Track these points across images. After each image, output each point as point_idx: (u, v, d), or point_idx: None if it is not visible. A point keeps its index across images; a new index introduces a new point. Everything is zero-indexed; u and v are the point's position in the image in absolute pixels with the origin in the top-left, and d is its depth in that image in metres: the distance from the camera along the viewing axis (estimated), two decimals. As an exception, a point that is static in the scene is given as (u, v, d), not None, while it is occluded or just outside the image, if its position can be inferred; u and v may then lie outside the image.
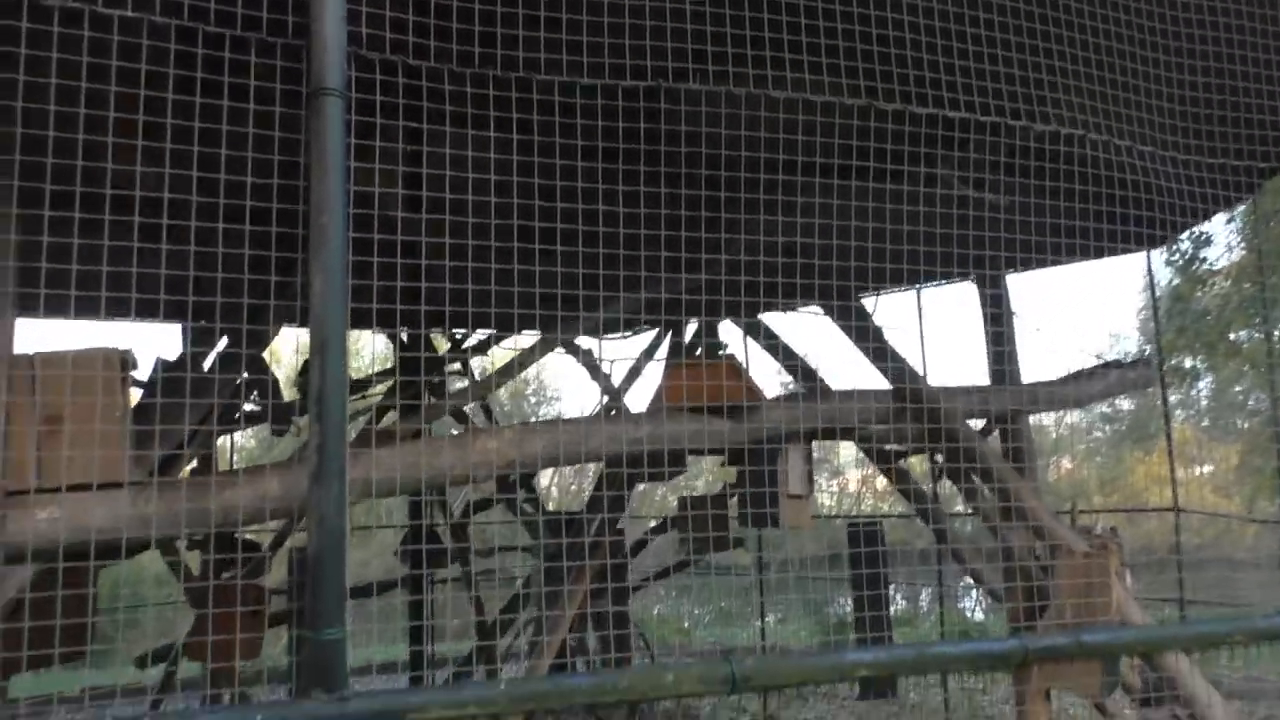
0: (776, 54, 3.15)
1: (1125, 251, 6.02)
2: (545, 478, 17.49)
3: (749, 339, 6.58)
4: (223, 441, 6.94)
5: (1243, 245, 12.43)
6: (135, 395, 3.82)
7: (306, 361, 5.06)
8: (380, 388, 6.92)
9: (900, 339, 5.38)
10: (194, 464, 4.74)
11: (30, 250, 2.88)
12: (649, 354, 7.83)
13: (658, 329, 8.08)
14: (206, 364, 4.55)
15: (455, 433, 6.13)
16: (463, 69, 2.64)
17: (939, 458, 5.77)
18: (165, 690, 7.86)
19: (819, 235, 3.77)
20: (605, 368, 7.89)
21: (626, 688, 1.99)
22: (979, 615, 14.34)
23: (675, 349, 6.42)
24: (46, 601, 3.05)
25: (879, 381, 5.11)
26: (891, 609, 12.16)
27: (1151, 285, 6.93)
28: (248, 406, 6.20)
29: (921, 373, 5.16)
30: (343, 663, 1.79)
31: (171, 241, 3.06)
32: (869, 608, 9.65)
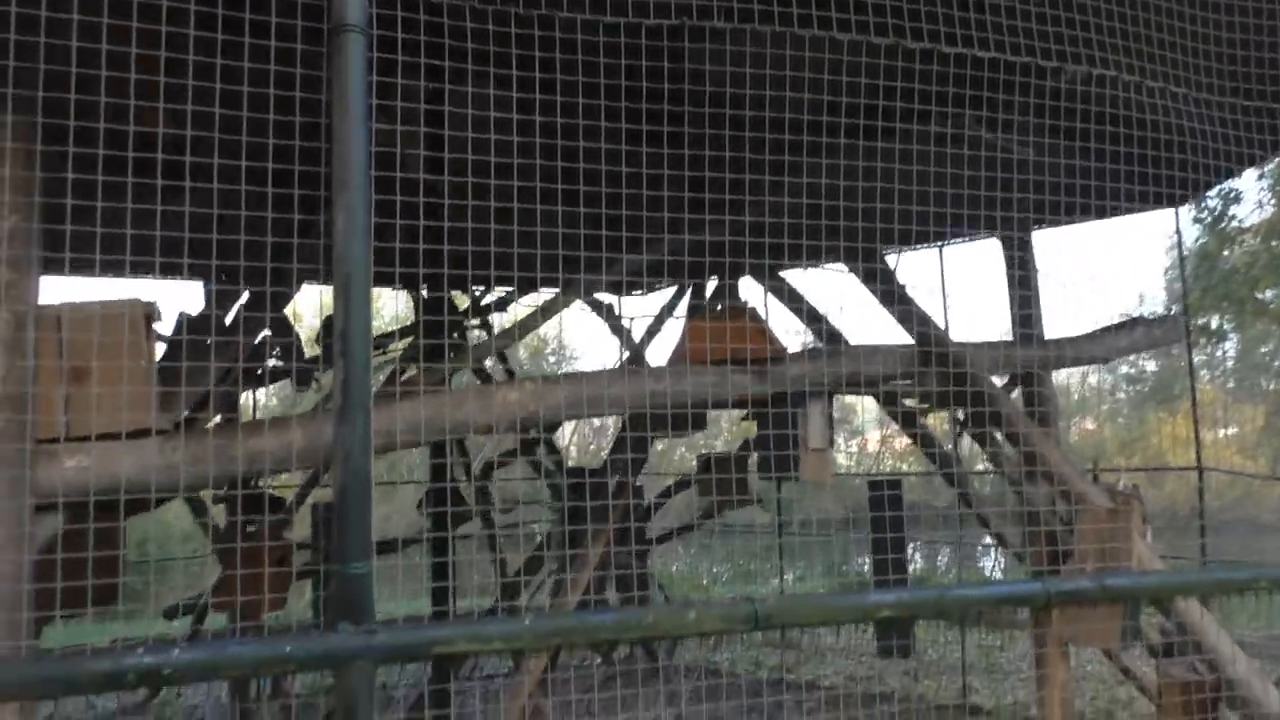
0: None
1: (1153, 208, 5.94)
2: (564, 437, 17.59)
3: (770, 296, 6.56)
4: (246, 398, 7.00)
5: (1273, 202, 12.24)
6: (159, 350, 3.86)
7: (329, 318, 5.09)
8: (401, 344, 6.94)
9: (924, 297, 5.33)
10: (219, 419, 4.79)
11: (52, 192, 2.90)
12: (669, 311, 7.82)
13: (677, 287, 8.07)
14: (229, 318, 4.59)
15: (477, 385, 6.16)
16: (484, 5, 2.61)
17: (960, 414, 5.75)
18: (191, 640, 7.98)
19: (843, 189, 3.73)
20: (625, 324, 7.89)
21: (650, 624, 2.00)
22: (998, 575, 14.37)
23: (696, 306, 6.40)
24: (77, 547, 3.10)
25: (902, 339, 5.09)
26: (910, 568, 12.21)
27: (1179, 242, 6.84)
28: (271, 362, 6.25)
29: (944, 329, 5.13)
30: (369, 597, 1.81)
31: (194, 187, 3.07)
32: (888, 566, 9.69)
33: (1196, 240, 12.39)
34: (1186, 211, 11.62)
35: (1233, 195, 12.21)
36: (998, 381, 5.11)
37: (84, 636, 10.90)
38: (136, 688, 1.77)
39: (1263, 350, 20.01)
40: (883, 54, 3.19)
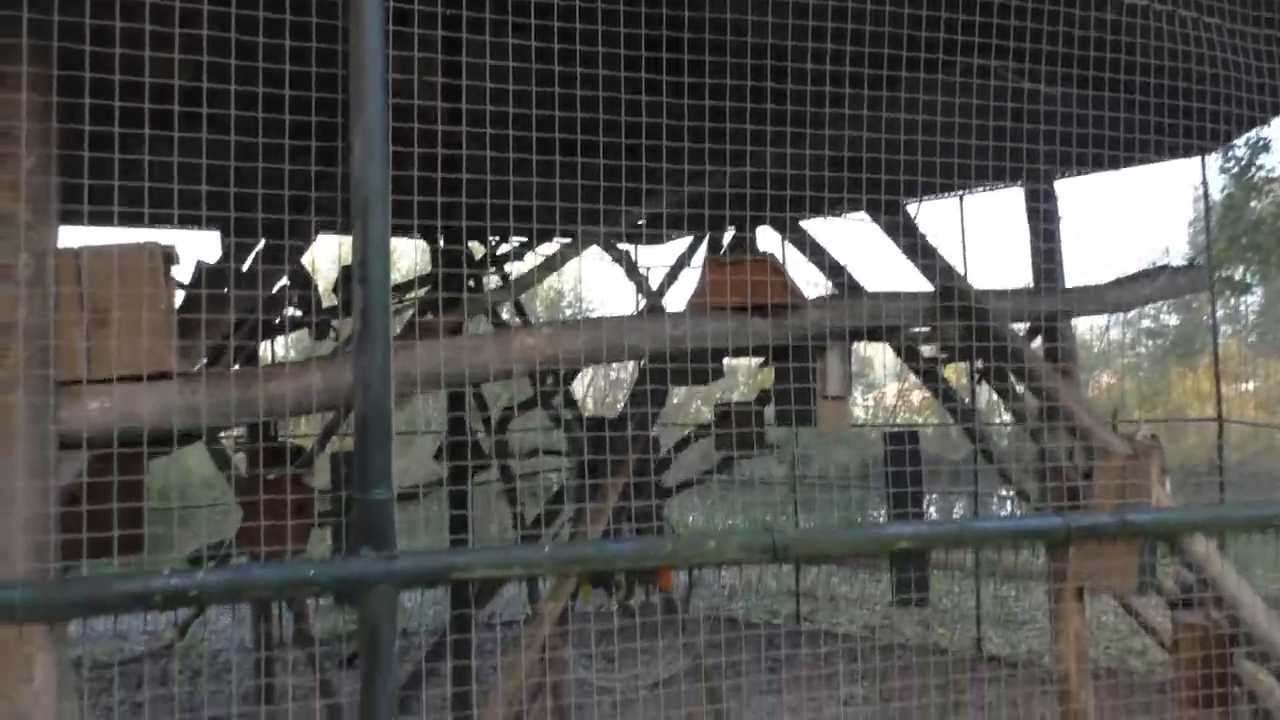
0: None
1: (1179, 155, 5.84)
2: (580, 389, 17.62)
3: (791, 248, 6.52)
4: (264, 349, 7.04)
5: (1304, 151, 12.00)
6: (178, 297, 3.88)
7: (346, 267, 5.08)
8: (420, 291, 6.95)
9: (944, 247, 5.28)
10: (237, 365, 4.83)
11: (69, 145, 2.90)
12: (685, 260, 7.79)
13: (694, 237, 8.03)
14: (246, 267, 4.59)
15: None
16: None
17: (979, 363, 5.72)
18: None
19: (865, 138, 3.69)
20: (643, 271, 7.87)
21: (669, 553, 2.02)
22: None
23: (715, 251, 6.36)
24: (101, 493, 3.14)
25: (922, 288, 5.05)
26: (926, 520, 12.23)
27: (1205, 191, 6.73)
28: (289, 311, 6.27)
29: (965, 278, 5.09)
30: (390, 523, 1.83)
31: (211, 133, 3.06)
32: (905, 519, 9.71)
33: (1223, 190, 12.20)
34: (1213, 160, 11.42)
35: (1261, 144, 11.99)
36: (1018, 330, 5.07)
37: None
38: (164, 609, 1.80)
39: (1286, 304, 19.79)
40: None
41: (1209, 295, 6.98)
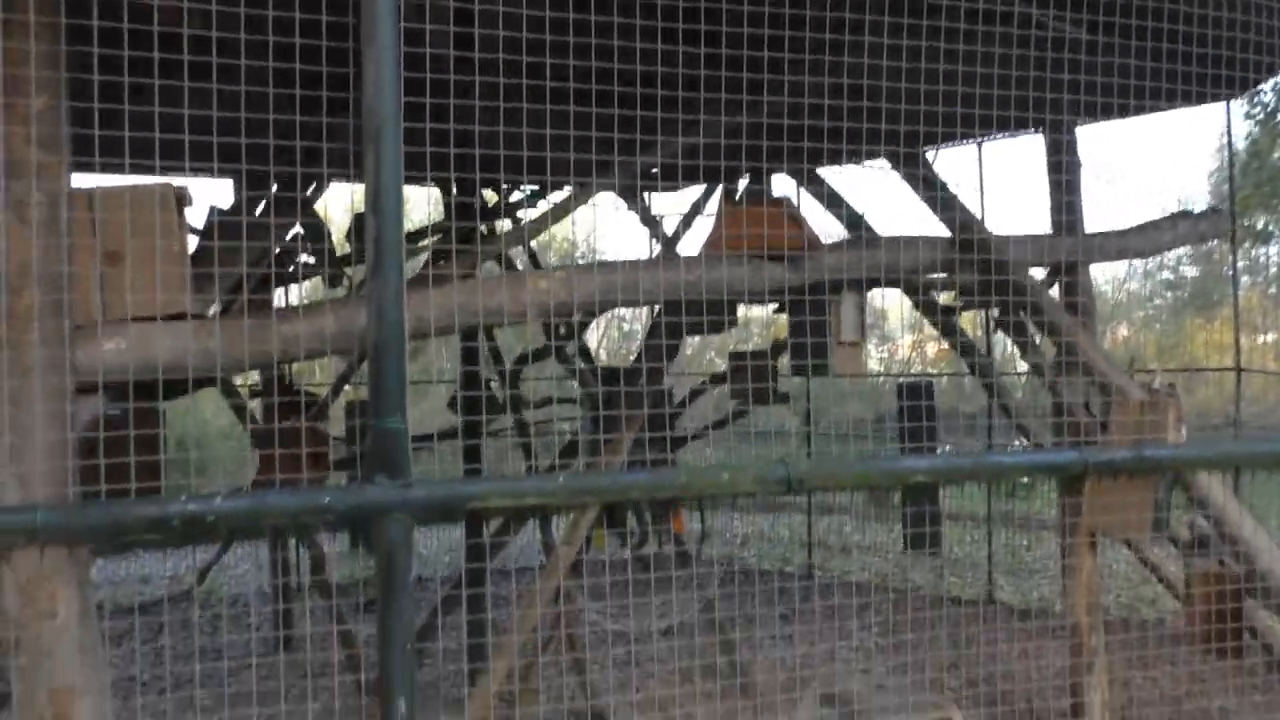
0: None
1: (1203, 100, 5.73)
2: (593, 341, 17.62)
3: (808, 196, 6.45)
4: (279, 297, 7.05)
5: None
6: (192, 242, 3.87)
7: (359, 215, 5.05)
8: (434, 238, 6.93)
9: (964, 194, 5.22)
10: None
11: (79, 93, 2.88)
12: (700, 207, 7.73)
13: (707, 185, 7.95)
14: (259, 212, 4.58)
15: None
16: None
17: (994, 311, 5.68)
18: (232, 537, 8.21)
19: (884, 80, 3.62)
20: (657, 216, 7.82)
21: (684, 484, 2.02)
22: (1024, 479, 14.39)
23: (730, 195, 6.30)
24: (120, 438, 3.16)
25: (939, 232, 5.00)
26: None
27: (1229, 136, 6.62)
28: (302, 258, 6.27)
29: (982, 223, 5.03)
30: (405, 452, 1.84)
31: (221, 83, 3.03)
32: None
33: (1247, 137, 11.98)
34: (1238, 106, 11.21)
35: (1289, 90, 11.76)
36: (1035, 276, 5.02)
37: (130, 528, 11.22)
38: (182, 534, 1.81)
39: (1309, 255, 19.49)
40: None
41: (1230, 245, 6.89)
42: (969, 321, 8.50)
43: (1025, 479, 14.13)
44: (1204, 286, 19.31)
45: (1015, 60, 3.74)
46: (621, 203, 7.81)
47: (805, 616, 6.96)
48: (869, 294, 5.18)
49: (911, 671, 4.37)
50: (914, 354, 19.30)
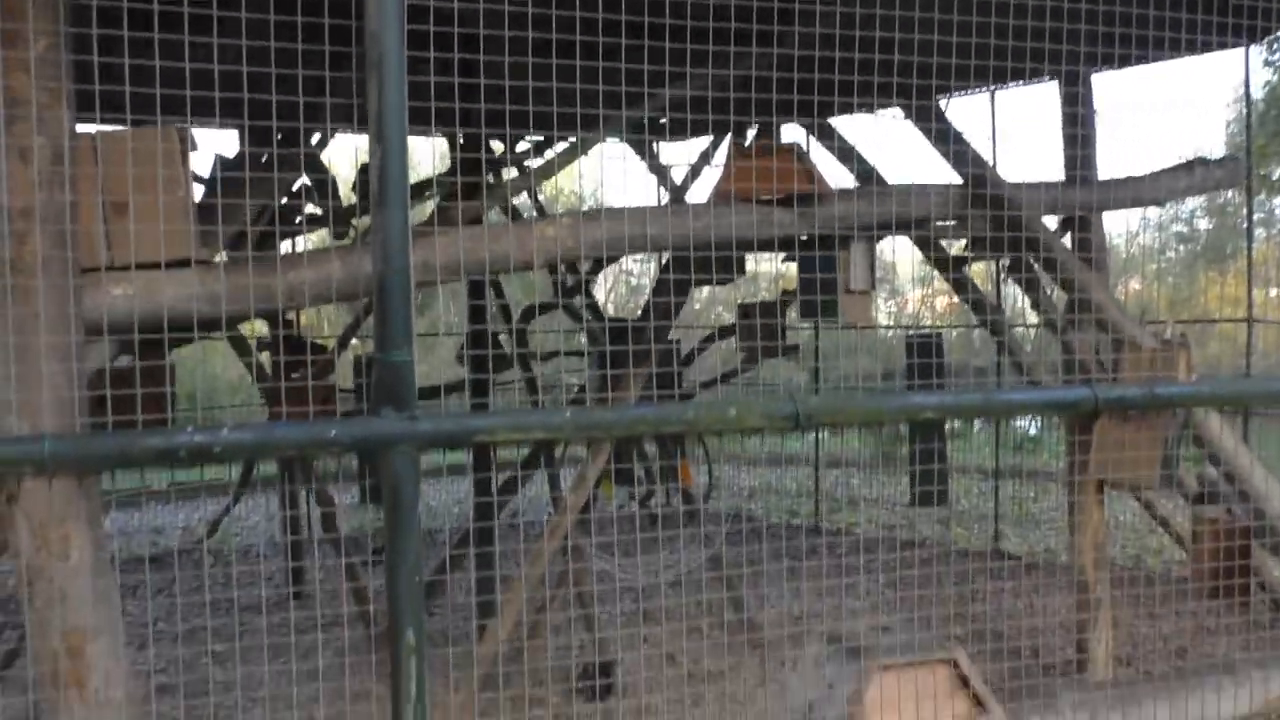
0: None
1: (1221, 47, 5.62)
2: (601, 295, 17.58)
3: (815, 143, 6.37)
4: (284, 248, 7.03)
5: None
6: (198, 191, 3.84)
7: (364, 165, 5.01)
8: (439, 189, 6.88)
9: (977, 143, 5.13)
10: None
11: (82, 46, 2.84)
12: (708, 155, 7.66)
13: (714, 135, 7.87)
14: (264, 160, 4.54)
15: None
16: None
17: (1005, 261, 5.63)
18: (244, 485, 8.27)
19: (897, 28, 3.55)
20: (665, 163, 7.76)
21: (692, 419, 2.01)
22: (1033, 431, 14.41)
23: (740, 142, 6.23)
24: (128, 381, 3.17)
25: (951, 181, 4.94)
26: (946, 425, 12.27)
27: (1247, 84, 6.49)
28: (308, 208, 6.24)
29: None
30: (411, 385, 1.83)
31: (222, 34, 2.99)
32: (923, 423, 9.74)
33: (1265, 85, 11.77)
34: (1257, 53, 11.01)
35: (1310, 36, 11.51)
36: (1048, 225, 4.97)
37: (142, 482, 11.36)
38: (189, 464, 1.81)
39: (1325, 207, 19.21)
40: None
41: (1245, 196, 6.81)
42: (979, 274, 8.45)
43: (1034, 432, 14.14)
44: (1218, 239, 19.13)
45: (1030, 8, 3.67)
46: (629, 151, 7.75)
47: (812, 568, 7.00)
48: (879, 245, 5.14)
49: (918, 619, 4.40)
50: (923, 308, 19.22)
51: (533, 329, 8.53)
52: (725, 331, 6.74)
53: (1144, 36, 4.14)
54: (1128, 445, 3.78)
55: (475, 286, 6.65)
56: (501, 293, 8.30)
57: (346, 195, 6.94)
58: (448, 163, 7.03)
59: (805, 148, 6.16)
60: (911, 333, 9.51)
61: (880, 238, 4.93)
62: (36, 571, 2.70)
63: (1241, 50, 6.28)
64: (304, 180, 6.14)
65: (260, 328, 7.98)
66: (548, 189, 12.51)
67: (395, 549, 1.81)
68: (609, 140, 6.96)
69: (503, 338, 8.12)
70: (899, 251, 14.86)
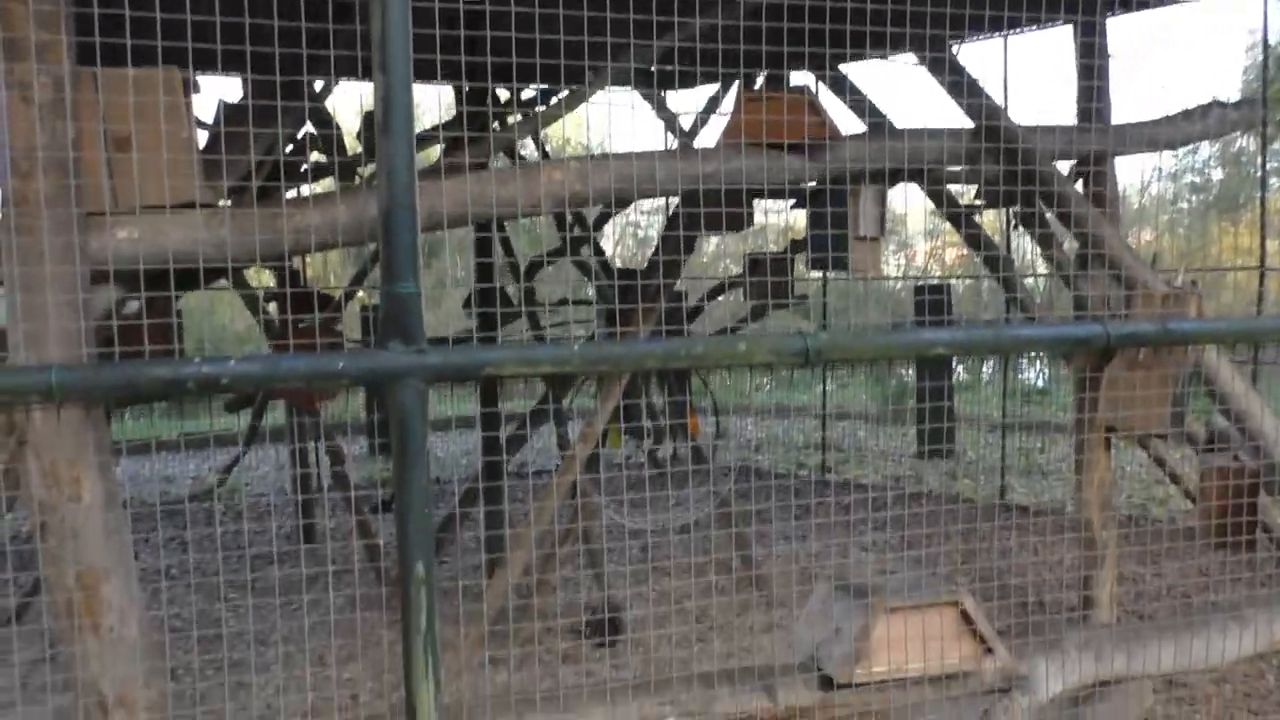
0: None
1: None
2: (608, 247, 17.48)
3: (826, 89, 6.28)
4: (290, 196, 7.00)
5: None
6: (201, 137, 3.81)
7: (369, 113, 4.95)
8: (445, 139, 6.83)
9: (990, 90, 5.05)
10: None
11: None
12: (717, 100, 7.57)
13: (723, 82, 7.77)
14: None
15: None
16: None
17: (1016, 208, 5.58)
18: (253, 433, 8.32)
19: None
20: (673, 110, 7.67)
21: (700, 354, 2.00)
22: (1040, 383, 14.40)
23: (750, 86, 6.15)
24: (134, 329, 3.17)
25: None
26: (953, 378, 12.26)
27: (1265, 28, 6.38)
28: (314, 156, 6.21)
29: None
30: (418, 316, 1.82)
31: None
32: (931, 375, 9.74)
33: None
34: (1275, -1, 10.77)
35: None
36: (1061, 170, 4.90)
37: (151, 430, 11.44)
38: (197, 395, 1.81)
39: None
40: None
41: (1260, 140, 6.71)
42: (989, 224, 8.38)
43: (1041, 384, 14.13)
44: (1231, 189, 18.93)
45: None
46: (638, 97, 7.66)
47: (818, 517, 7.03)
48: (888, 194, 5.09)
49: (924, 565, 4.42)
50: (932, 259, 19.11)
51: (540, 279, 8.51)
52: (734, 282, 6.71)
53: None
54: (1138, 392, 3.76)
55: (483, 238, 6.63)
56: (509, 246, 8.28)
57: (352, 146, 6.89)
58: (453, 113, 6.98)
59: (815, 94, 6.09)
60: (920, 282, 9.44)
61: (892, 184, 4.88)
62: (49, 513, 2.72)
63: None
64: (309, 128, 6.10)
65: (267, 278, 7.98)
66: (554, 140, 12.40)
67: (404, 482, 1.81)
68: (616, 89, 6.89)
69: (510, 289, 8.11)
70: (908, 204, 14.74)
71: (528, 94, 7.39)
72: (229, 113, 4.66)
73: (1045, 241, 5.41)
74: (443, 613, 2.10)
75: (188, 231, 3.05)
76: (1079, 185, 5.29)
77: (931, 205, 6.17)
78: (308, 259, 7.72)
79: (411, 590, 1.85)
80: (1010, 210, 5.89)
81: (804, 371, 14.17)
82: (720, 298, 7.96)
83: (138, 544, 5.88)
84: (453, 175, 3.48)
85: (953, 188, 6.04)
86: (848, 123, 6.44)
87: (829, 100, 6.16)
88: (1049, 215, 5.18)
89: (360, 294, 8.91)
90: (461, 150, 4.63)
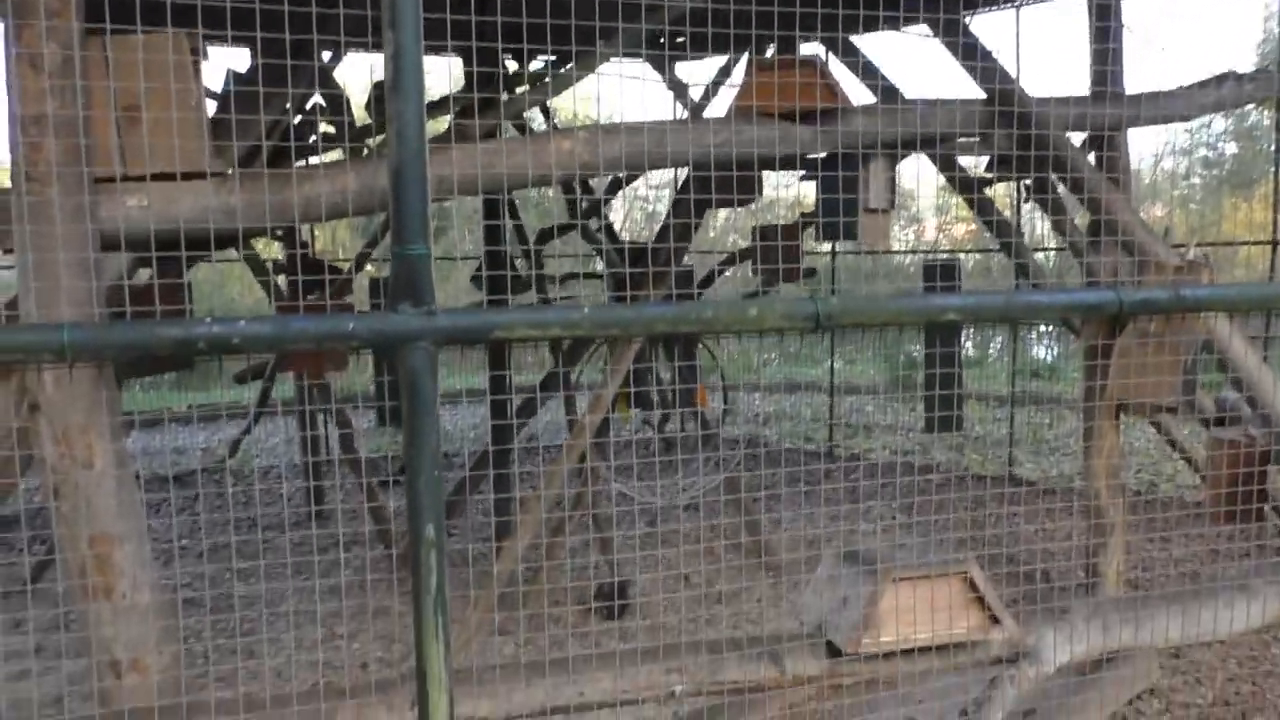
0: None
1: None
2: (617, 221, 17.44)
3: (836, 59, 6.24)
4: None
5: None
6: (210, 106, 3.80)
7: (379, 83, 4.92)
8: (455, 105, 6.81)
9: (1002, 60, 5.00)
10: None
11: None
12: (727, 69, 7.53)
13: (733, 53, 7.71)
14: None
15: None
16: None
17: (1027, 181, 5.54)
18: (264, 403, 8.35)
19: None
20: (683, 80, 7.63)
21: (710, 318, 1.99)
22: (1049, 359, 14.36)
23: (761, 56, 6.11)
24: (145, 294, 3.17)
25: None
26: (962, 353, 12.25)
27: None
28: (323, 127, 6.19)
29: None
30: (428, 279, 1.82)
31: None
32: (941, 346, 9.71)
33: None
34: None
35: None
36: (1072, 142, 4.87)
37: (162, 402, 11.49)
38: (208, 354, 1.82)
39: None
40: None
41: (1275, 113, 6.65)
42: (1000, 198, 8.33)
43: (1050, 359, 14.09)
44: (1243, 163, 18.79)
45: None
46: (649, 70, 7.62)
47: (827, 491, 7.04)
48: (898, 168, 5.06)
49: (932, 537, 4.43)
50: (941, 235, 19.03)
51: (549, 252, 8.50)
52: (744, 254, 6.70)
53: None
54: (1150, 358, 3.76)
55: (491, 211, 6.61)
56: (517, 216, 8.26)
57: (361, 118, 6.87)
58: (463, 83, 6.94)
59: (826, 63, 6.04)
60: (929, 257, 9.39)
61: (903, 156, 4.85)
62: (62, 480, 2.74)
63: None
64: (318, 98, 6.08)
65: (277, 251, 7.99)
66: (563, 114, 12.34)
67: (413, 445, 1.82)
68: (627, 59, 6.84)
69: (519, 261, 8.10)
70: (916, 178, 14.65)
71: (536, 65, 7.35)
72: (238, 82, 4.65)
73: (1057, 212, 5.38)
74: (452, 582, 2.12)
75: (197, 199, 3.05)
76: (1091, 157, 5.26)
77: (942, 180, 6.14)
78: (316, 233, 7.73)
79: (422, 552, 1.87)
80: (1022, 183, 5.85)
81: (812, 347, 14.16)
82: (728, 272, 7.95)
83: (148, 515, 5.92)
84: (463, 143, 3.47)
85: (964, 160, 6.01)
86: (860, 95, 6.39)
87: (841, 73, 6.12)
88: (1060, 188, 5.15)
89: (369, 267, 8.91)
90: (471, 118, 4.62)
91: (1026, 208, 7.34)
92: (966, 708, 3.25)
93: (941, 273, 9.49)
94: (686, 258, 7.11)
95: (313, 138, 6.18)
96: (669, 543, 6.42)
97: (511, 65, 6.78)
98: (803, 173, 4.88)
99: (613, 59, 4.53)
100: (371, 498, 6.51)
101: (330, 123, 6.23)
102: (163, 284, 3.13)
